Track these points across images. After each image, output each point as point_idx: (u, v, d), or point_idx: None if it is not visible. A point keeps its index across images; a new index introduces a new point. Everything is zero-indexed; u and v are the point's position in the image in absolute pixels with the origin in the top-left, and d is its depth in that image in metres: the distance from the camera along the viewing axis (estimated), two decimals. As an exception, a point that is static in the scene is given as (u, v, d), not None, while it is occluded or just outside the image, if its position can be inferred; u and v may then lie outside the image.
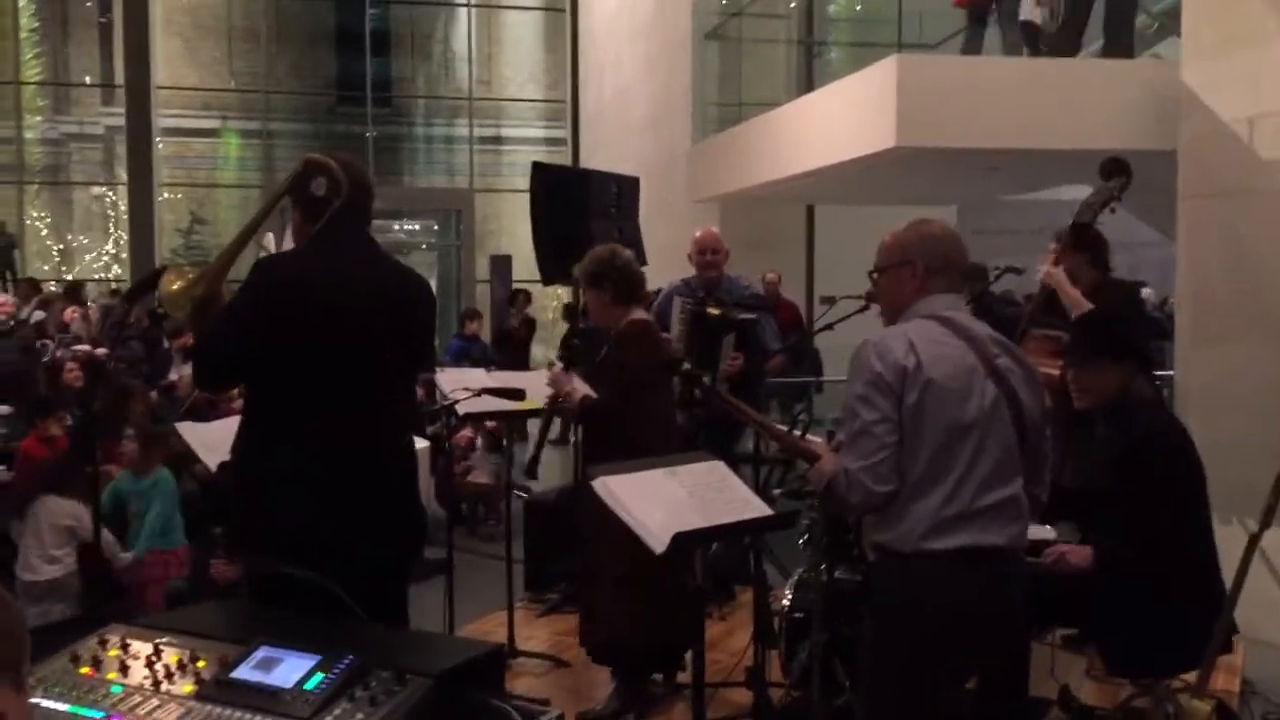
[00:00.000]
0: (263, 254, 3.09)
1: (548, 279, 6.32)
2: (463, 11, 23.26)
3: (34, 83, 21.87)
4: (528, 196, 6.18)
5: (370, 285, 2.99)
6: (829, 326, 4.55)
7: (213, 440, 3.41)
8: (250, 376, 2.96)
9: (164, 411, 6.82)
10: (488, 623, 5.33)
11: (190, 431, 3.61)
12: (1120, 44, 7.36)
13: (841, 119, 7.90)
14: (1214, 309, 5.95)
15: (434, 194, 23.40)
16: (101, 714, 2.07)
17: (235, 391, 4.68)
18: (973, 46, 7.96)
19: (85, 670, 2.18)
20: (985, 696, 3.25)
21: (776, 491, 5.85)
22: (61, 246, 22.15)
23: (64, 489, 5.45)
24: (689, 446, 4.81)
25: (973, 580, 2.62)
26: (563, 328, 12.34)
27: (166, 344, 9.15)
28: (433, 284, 21.64)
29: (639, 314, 4.27)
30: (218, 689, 2.09)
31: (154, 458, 5.76)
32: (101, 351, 9.26)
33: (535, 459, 4.36)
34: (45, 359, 8.42)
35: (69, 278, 20.59)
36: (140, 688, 2.13)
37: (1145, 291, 13.10)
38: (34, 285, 12.66)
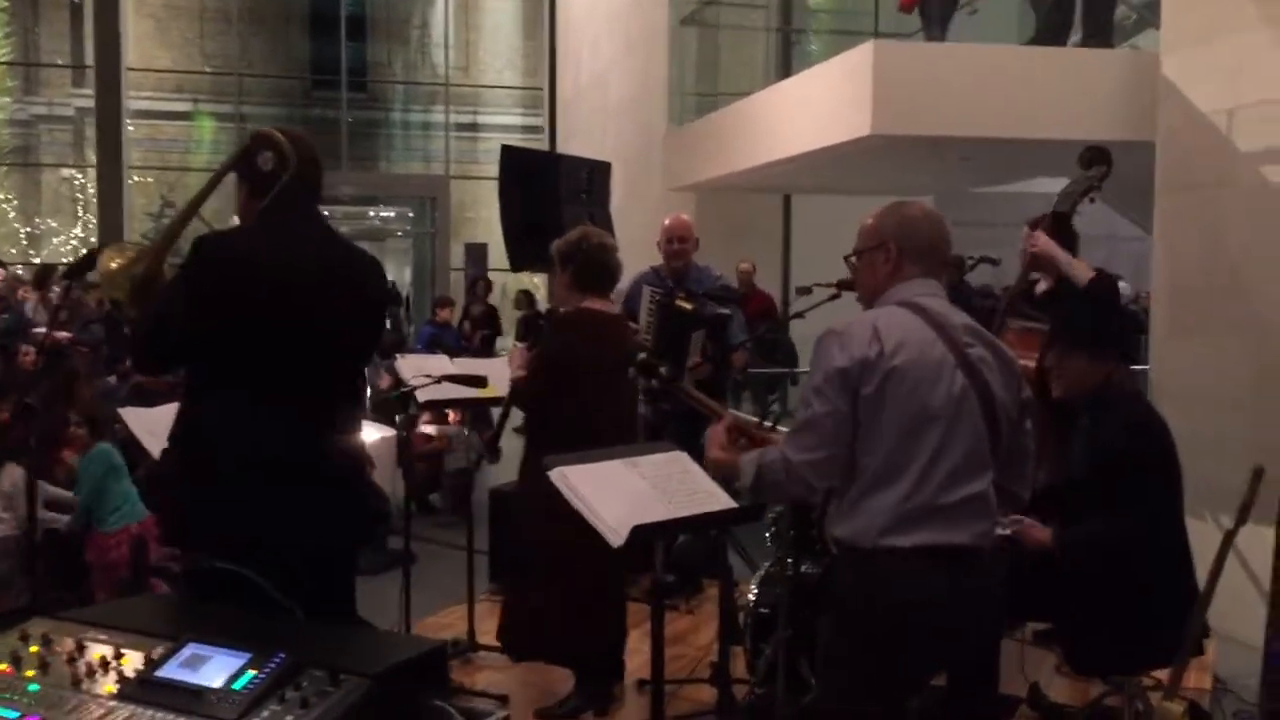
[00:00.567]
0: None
1: (516, 265, 6.20)
2: (440, -4, 23.08)
3: (2, 62, 21.54)
4: (499, 181, 6.07)
5: (319, 264, 2.87)
6: (799, 315, 4.46)
7: (157, 426, 3.27)
8: (192, 359, 2.83)
9: (120, 395, 6.67)
10: (449, 615, 5.23)
11: (133, 417, 3.47)
12: (1099, 34, 7.28)
13: (817, 106, 7.80)
14: (1190, 302, 5.89)
15: (409, 180, 23.21)
16: (15, 714, 1.95)
17: None
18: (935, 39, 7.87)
19: (3, 667, 2.07)
20: (953, 694, 3.16)
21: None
22: (29, 229, 21.84)
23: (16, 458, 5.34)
24: (655, 438, 4.72)
25: (934, 579, 2.51)
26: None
27: (127, 329, 8.98)
28: (407, 271, 21.54)
29: (592, 303, 4.12)
30: (141, 688, 1.97)
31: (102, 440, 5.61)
32: (64, 335, 9.08)
33: (495, 438, 4.24)
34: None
35: (36, 261, 20.33)
36: (59, 686, 2.01)
37: (1121, 285, 13.15)
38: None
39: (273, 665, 1.97)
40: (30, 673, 2.05)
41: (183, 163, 22.04)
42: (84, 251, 2.85)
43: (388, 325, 10.90)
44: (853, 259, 2.77)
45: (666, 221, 5.43)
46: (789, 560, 3.76)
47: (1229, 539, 2.80)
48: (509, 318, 13.87)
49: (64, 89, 22.10)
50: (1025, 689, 4.18)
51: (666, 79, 12.12)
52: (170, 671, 2.00)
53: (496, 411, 4.65)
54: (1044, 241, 4.40)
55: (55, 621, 2.22)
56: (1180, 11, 6.00)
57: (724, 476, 2.76)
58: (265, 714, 1.89)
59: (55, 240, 21.71)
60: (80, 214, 21.82)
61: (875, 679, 2.57)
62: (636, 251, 5.53)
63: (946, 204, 12.48)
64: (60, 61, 22.15)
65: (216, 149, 22.32)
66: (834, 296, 3.75)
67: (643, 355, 3.13)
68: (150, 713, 1.92)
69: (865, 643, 2.57)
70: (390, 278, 24.52)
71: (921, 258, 2.67)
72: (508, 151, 6.15)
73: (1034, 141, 7.02)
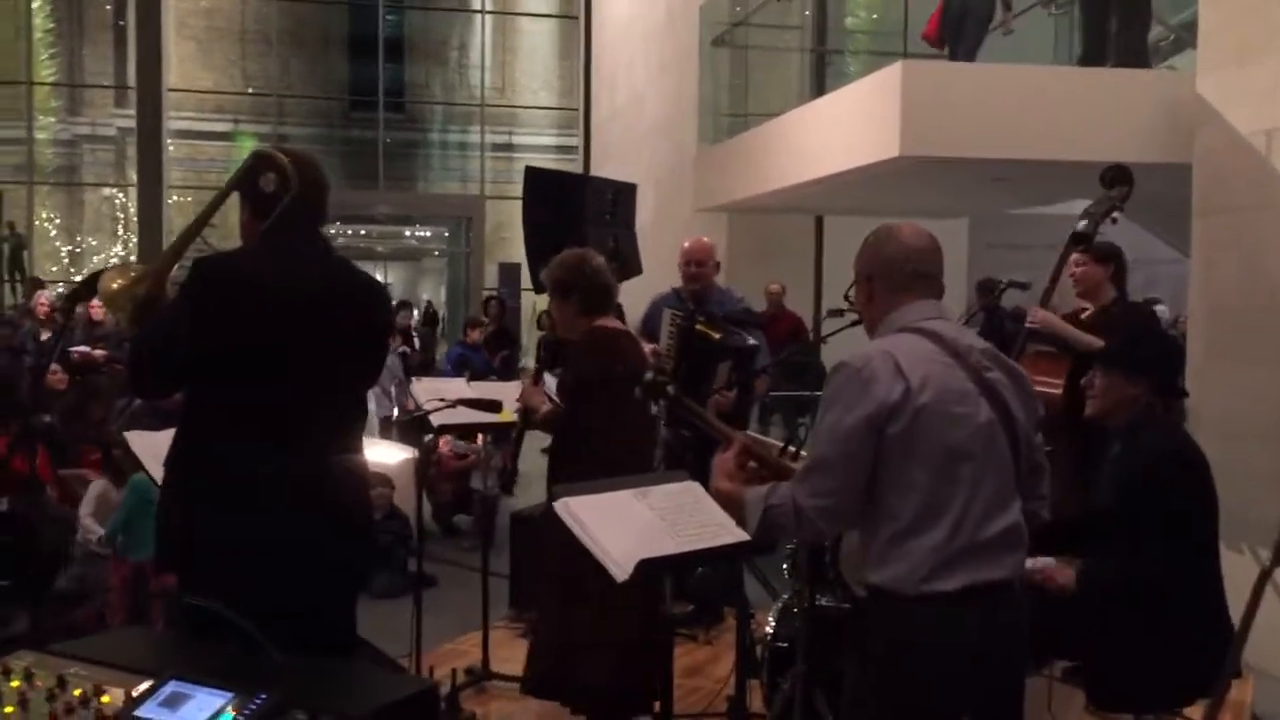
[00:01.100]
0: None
1: (540, 286, 6.15)
2: (478, 18, 23.21)
3: (45, 83, 21.86)
4: (529, 202, 6.04)
5: (320, 286, 2.82)
6: (824, 339, 4.38)
7: (162, 450, 3.21)
8: (190, 382, 2.78)
9: (142, 416, 6.67)
10: (465, 642, 5.15)
11: (138, 440, 3.43)
12: (1134, 54, 7.16)
13: (846, 127, 7.71)
14: (1228, 326, 5.75)
15: (445, 200, 23.33)
16: (-10, 754, 1.90)
17: None
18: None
19: (-17, 702, 2.01)
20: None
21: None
22: (71, 248, 22.11)
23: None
24: (676, 465, 4.63)
25: (974, 619, 2.40)
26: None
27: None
28: (442, 291, 21.63)
29: (605, 321, 4.07)
30: (118, 728, 1.91)
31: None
32: (100, 353, 9.13)
33: (509, 472, 4.17)
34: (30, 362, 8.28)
35: (77, 279, 20.55)
36: (37, 724, 1.96)
37: (1159, 309, 12.90)
38: (37, 284, 12.55)
39: (253, 707, 1.91)
40: (10, 709, 2.01)
41: (221, 182, 22.14)
42: (85, 275, 2.81)
43: (416, 346, 10.92)
44: (850, 300, 2.70)
45: (686, 244, 5.35)
46: (807, 593, 3.66)
47: (1264, 578, 2.67)
48: (536, 338, 13.87)
49: (107, 109, 22.41)
50: (1052, 727, 4.05)
51: (698, 99, 12.08)
52: (149, 711, 1.94)
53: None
54: (1042, 316, 4.43)
55: (39, 655, 2.17)
56: (1217, 32, 5.88)
57: (729, 510, 2.65)
58: (242, 758, 1.83)
59: (96, 259, 21.95)
60: (121, 233, 22.08)
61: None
62: (667, 271, 5.47)
63: (981, 226, 12.35)
64: (104, 82, 22.44)
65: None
66: (857, 321, 3.66)
67: (649, 375, 3.04)
68: (126, 755, 1.87)
69: (900, 686, 2.45)
70: (426, 297, 24.72)
71: (900, 283, 2.56)
72: (532, 173, 6.12)
73: (1067, 164, 6.90)
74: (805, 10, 11.93)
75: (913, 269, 2.57)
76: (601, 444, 3.85)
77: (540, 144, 22.93)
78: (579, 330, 4.05)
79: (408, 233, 25.55)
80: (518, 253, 20.66)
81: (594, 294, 4.04)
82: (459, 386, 4.44)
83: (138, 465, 3.60)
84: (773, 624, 4.08)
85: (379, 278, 22.97)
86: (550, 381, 4.38)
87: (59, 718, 1.97)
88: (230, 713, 1.91)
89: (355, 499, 2.95)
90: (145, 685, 2.00)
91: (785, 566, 4.20)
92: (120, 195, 22.04)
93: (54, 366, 7.22)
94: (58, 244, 21.94)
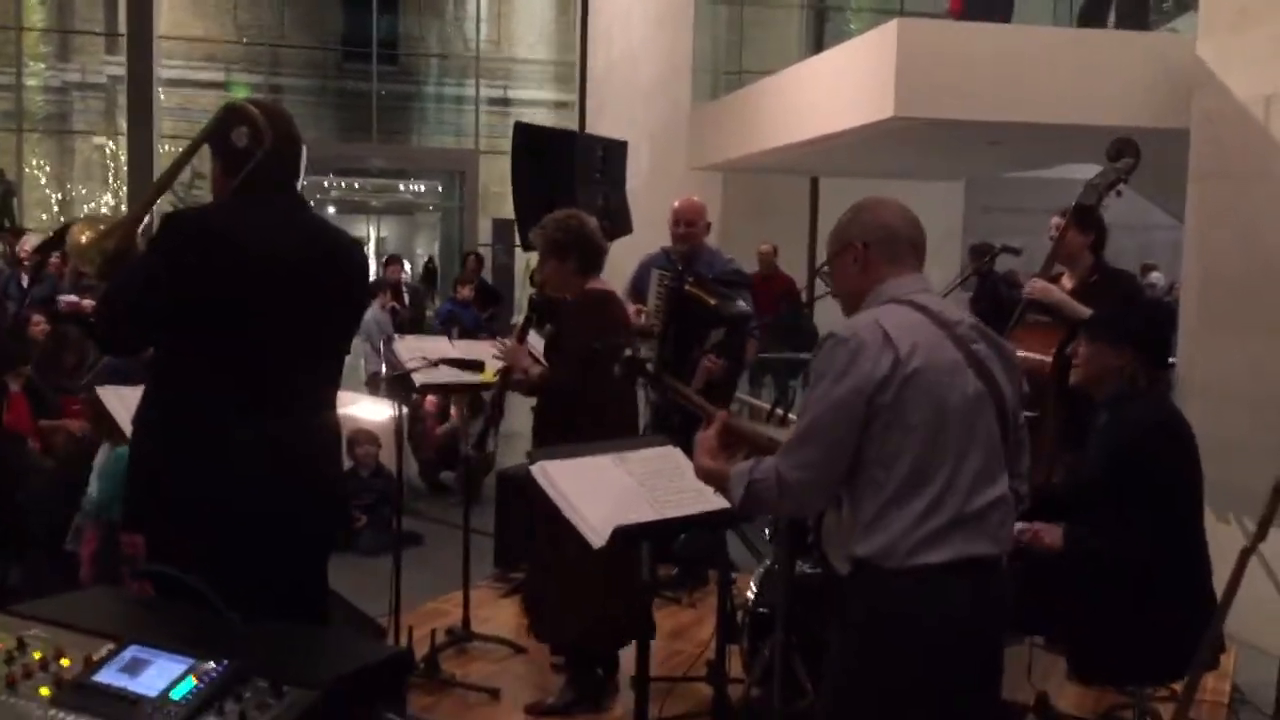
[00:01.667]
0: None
1: (528, 243, 6.08)
2: (474, -31, 22.94)
3: (35, 29, 21.60)
4: (528, 159, 5.96)
5: (293, 243, 2.76)
6: (817, 298, 4.34)
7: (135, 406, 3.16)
8: (159, 339, 2.72)
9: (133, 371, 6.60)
10: (447, 601, 5.14)
11: (111, 395, 3.37)
12: (1134, 15, 7.07)
13: (841, 86, 7.61)
14: (1222, 296, 5.70)
15: (439, 154, 23.12)
16: (-56, 718, 1.86)
17: None
18: None
19: (-58, 665, 1.97)
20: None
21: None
22: (61, 196, 21.93)
23: None
24: (662, 427, 4.60)
25: (960, 594, 2.37)
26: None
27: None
28: (435, 246, 21.45)
29: (598, 283, 4.04)
30: (76, 693, 1.87)
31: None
32: (89, 303, 9.05)
33: (485, 433, 4.12)
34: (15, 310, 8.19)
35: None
36: (-7, 687, 1.92)
37: (1154, 275, 12.86)
38: (19, 233, 12.42)
39: (214, 674, 1.87)
40: (-32, 671, 1.97)
41: (214, 133, 22.01)
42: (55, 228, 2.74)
43: (406, 302, 10.84)
44: (826, 270, 2.61)
45: (676, 204, 5.28)
46: (788, 564, 3.63)
47: (1246, 555, 2.66)
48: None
49: (98, 56, 22.13)
50: (1032, 696, 4.05)
51: (693, 56, 11.95)
52: (108, 676, 1.90)
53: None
54: (1040, 286, 4.41)
55: (1, 616, 2.13)
56: (1219, -7, 5.79)
57: (713, 487, 2.60)
58: (202, 727, 1.79)
59: (87, 207, 21.78)
60: (111, 182, 21.88)
61: (896, 698, 2.43)
62: (661, 229, 5.40)
63: (978, 189, 12.29)
64: (95, 28, 22.16)
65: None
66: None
67: (628, 352, 2.98)
68: (84, 721, 1.83)
69: (882, 658, 2.42)
70: (426, 253, 24.59)
71: (895, 252, 2.50)
72: (521, 129, 6.04)
73: (1064, 127, 6.82)
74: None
75: (908, 238, 2.53)
76: (592, 406, 3.82)
77: (536, 98, 22.71)
78: (574, 290, 4.01)
79: (401, 186, 25.36)
80: (512, 208, 20.49)
81: (590, 253, 4.03)
82: (442, 346, 4.38)
83: (110, 423, 3.55)
84: (754, 590, 4.06)
85: (372, 232, 22.75)
86: (536, 342, 4.33)
87: (17, 680, 1.93)
88: (191, 679, 1.87)
89: (326, 457, 2.91)
90: (105, 649, 1.97)
91: (767, 531, 4.17)
92: (110, 144, 21.82)
93: (36, 317, 7.14)
94: (47, 192, 21.76)
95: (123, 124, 20.21)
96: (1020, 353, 4.21)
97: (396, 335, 5.06)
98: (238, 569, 2.61)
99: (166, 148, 20.63)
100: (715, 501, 2.82)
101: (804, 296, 9.99)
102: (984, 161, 9.89)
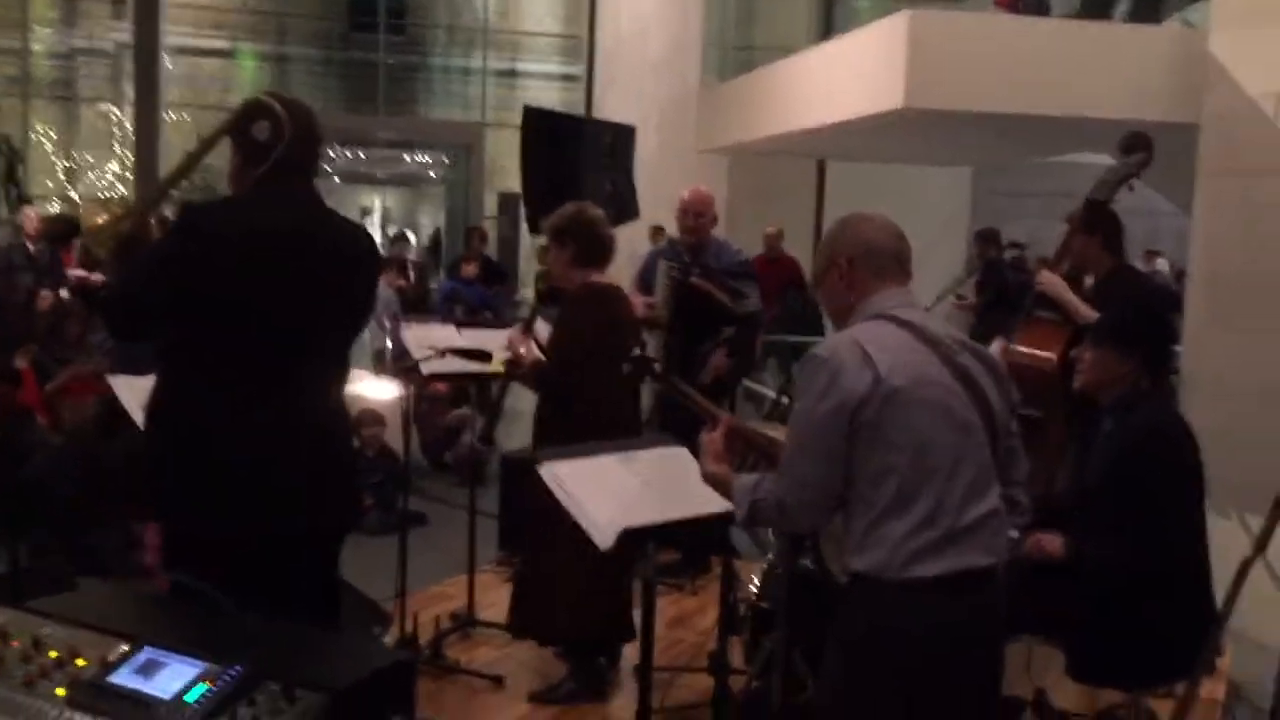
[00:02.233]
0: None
1: (535, 227, 6.09)
2: (483, -62, 22.78)
3: (42, -6, 21.51)
4: (538, 135, 5.96)
5: (307, 239, 2.79)
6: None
7: (145, 395, 3.17)
8: (170, 330, 2.75)
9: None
10: (451, 585, 5.17)
11: (123, 385, 3.38)
12: (1146, 8, 7.03)
13: (850, 75, 7.59)
14: (1229, 292, 5.70)
15: (446, 126, 23.01)
16: (-37, 717, 1.89)
17: None
18: None
19: (-41, 662, 2.01)
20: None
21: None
22: (67, 163, 21.87)
23: None
24: (667, 423, 4.62)
25: (955, 607, 2.40)
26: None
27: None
28: (440, 218, 21.36)
29: (598, 278, 4.04)
30: (91, 694, 1.91)
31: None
32: (98, 277, 9.05)
33: (490, 424, 4.15)
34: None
35: (73, 195, 20.41)
36: (11, 687, 1.95)
37: (1160, 262, 12.85)
38: (24, 201, 12.40)
39: (227, 678, 1.90)
40: (-15, 669, 2.00)
41: (220, 101, 21.92)
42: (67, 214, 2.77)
43: (412, 279, 10.83)
44: (817, 290, 2.65)
45: (685, 195, 5.28)
46: (787, 564, 3.65)
47: (1247, 565, 2.68)
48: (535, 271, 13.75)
49: (104, 22, 22.02)
50: (1031, 691, 4.08)
51: (702, 33, 11.89)
52: (122, 678, 1.93)
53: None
54: (1049, 280, 4.35)
55: (15, 612, 2.16)
56: (1232, -11, 5.77)
57: (718, 492, 2.64)
58: (215, 731, 1.82)
59: (92, 175, 21.73)
60: (117, 150, 21.81)
61: (890, 707, 2.46)
62: (669, 209, 5.39)
63: (985, 173, 12.25)
64: (99, -7, 22.07)
65: (256, 89, 22.18)
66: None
67: (637, 351, 3.01)
68: (99, 723, 1.86)
69: (876, 670, 2.45)
70: (434, 225, 24.52)
71: (879, 266, 2.52)
72: (531, 113, 6.03)
73: (1072, 119, 6.80)
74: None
75: (892, 252, 2.55)
76: (592, 399, 3.84)
77: (544, 71, 22.59)
78: (572, 280, 4.02)
79: (407, 158, 25.27)
80: (518, 181, 20.43)
81: (590, 245, 4.02)
82: (449, 334, 4.40)
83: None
84: (756, 584, 4.09)
85: (377, 203, 22.66)
86: (544, 330, 4.34)
87: (34, 680, 1.96)
88: (204, 683, 1.90)
89: (339, 448, 2.94)
90: (120, 650, 2.00)
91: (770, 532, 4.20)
92: (116, 111, 21.75)
93: (45, 293, 7.16)
94: (53, 159, 21.70)
95: (129, 91, 20.12)
96: (1025, 350, 4.26)
97: (404, 321, 5.07)
98: (252, 556, 2.66)
99: (173, 116, 20.59)
100: (721, 504, 2.85)
101: (810, 280, 9.99)
102: (992, 149, 9.87)
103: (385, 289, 9.67)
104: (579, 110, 17.00)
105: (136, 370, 3.46)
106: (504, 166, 21.52)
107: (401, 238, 11.89)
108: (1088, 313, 4.18)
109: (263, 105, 2.82)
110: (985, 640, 2.53)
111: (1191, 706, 2.90)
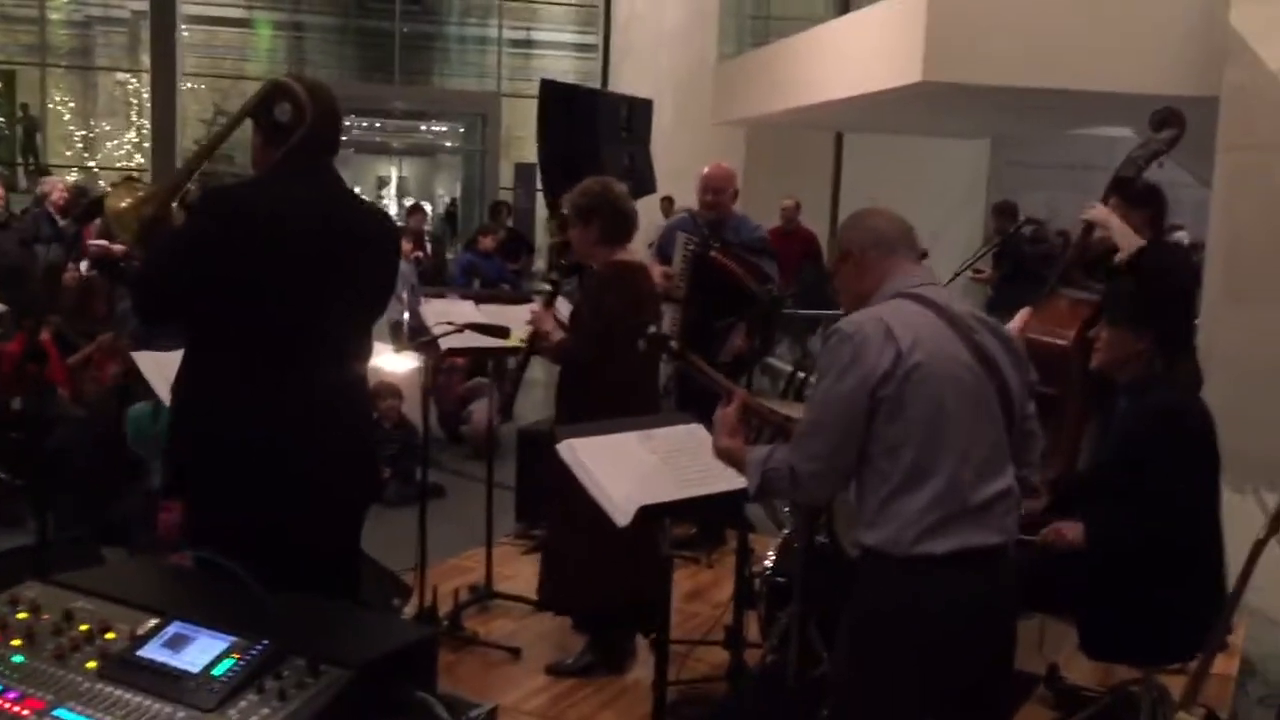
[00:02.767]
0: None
1: (552, 202, 6.11)
2: (499, -94, 22.66)
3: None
4: (554, 105, 5.96)
5: (331, 221, 2.80)
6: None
7: (172, 370, 3.19)
8: (195, 311, 2.78)
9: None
10: (469, 558, 5.21)
11: (147, 360, 3.41)
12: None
13: (868, 49, 7.56)
14: (1248, 267, 5.68)
15: (461, 96, 22.99)
16: (-1, 687, 1.93)
17: None
18: None
19: (-8, 634, 2.05)
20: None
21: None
22: (85, 132, 21.93)
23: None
24: (685, 401, 4.64)
25: (967, 584, 2.43)
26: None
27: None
28: (456, 188, 21.35)
29: (623, 255, 4.04)
30: (121, 668, 1.94)
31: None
32: (120, 247, 9.07)
33: (510, 399, 4.17)
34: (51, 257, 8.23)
35: (91, 165, 20.47)
36: (42, 659, 1.99)
37: (1178, 234, 12.75)
38: (43, 171, 12.45)
39: (254, 652, 1.94)
40: (16, 642, 2.03)
41: (237, 70, 21.94)
42: (92, 196, 2.79)
43: (428, 251, 10.86)
44: (835, 286, 2.70)
45: (705, 170, 5.27)
46: (804, 528, 3.69)
47: (1260, 547, 2.69)
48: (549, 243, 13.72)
49: (120, -10, 22.05)
50: (1044, 666, 4.11)
51: (719, 5, 11.84)
52: (152, 652, 1.96)
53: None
54: (1099, 212, 4.20)
55: (45, 586, 2.20)
56: (1255, -39, 5.72)
57: (730, 467, 2.67)
58: (243, 704, 1.85)
59: (109, 144, 21.79)
60: (134, 118, 21.86)
61: (902, 683, 2.50)
62: (685, 181, 5.40)
63: (1003, 144, 12.18)
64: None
65: (272, 58, 22.20)
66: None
67: (652, 329, 3.04)
68: (129, 695, 1.90)
69: (887, 646, 2.48)
70: (448, 196, 24.51)
71: (890, 248, 2.58)
72: (547, 86, 6.02)
73: (1094, 94, 6.77)
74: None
75: (899, 233, 2.60)
76: (615, 377, 3.86)
77: (559, 41, 22.54)
78: (598, 258, 4.03)
79: (423, 127, 25.25)
80: (534, 152, 20.34)
81: (615, 221, 4.00)
82: (468, 309, 4.42)
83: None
84: (772, 558, 4.13)
85: (393, 172, 22.64)
86: (564, 307, 4.36)
87: (64, 654, 2.01)
88: (232, 657, 1.94)
89: (361, 424, 2.98)
90: (149, 624, 2.04)
91: (786, 508, 4.23)
92: (133, 80, 21.77)
93: (70, 265, 7.19)
94: (71, 128, 21.76)
95: (145, 60, 20.16)
96: (1043, 326, 4.24)
97: (422, 293, 5.09)
98: (276, 530, 2.70)
99: (189, 85, 20.60)
100: (737, 480, 2.88)
101: (825, 252, 9.98)
102: (1010, 122, 9.82)
103: (402, 261, 9.70)
104: (595, 81, 16.93)
105: (159, 344, 3.50)
106: (520, 137, 21.51)
107: (418, 209, 11.88)
108: (1136, 240, 4.10)
109: (284, 87, 2.83)
110: (997, 616, 2.56)
111: (1204, 682, 2.92)
